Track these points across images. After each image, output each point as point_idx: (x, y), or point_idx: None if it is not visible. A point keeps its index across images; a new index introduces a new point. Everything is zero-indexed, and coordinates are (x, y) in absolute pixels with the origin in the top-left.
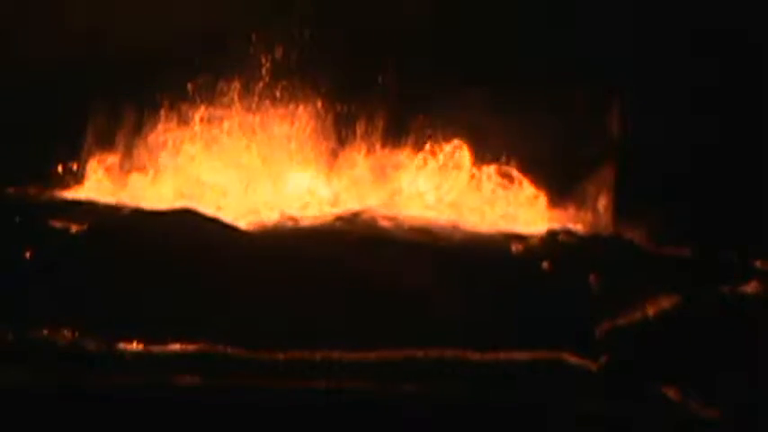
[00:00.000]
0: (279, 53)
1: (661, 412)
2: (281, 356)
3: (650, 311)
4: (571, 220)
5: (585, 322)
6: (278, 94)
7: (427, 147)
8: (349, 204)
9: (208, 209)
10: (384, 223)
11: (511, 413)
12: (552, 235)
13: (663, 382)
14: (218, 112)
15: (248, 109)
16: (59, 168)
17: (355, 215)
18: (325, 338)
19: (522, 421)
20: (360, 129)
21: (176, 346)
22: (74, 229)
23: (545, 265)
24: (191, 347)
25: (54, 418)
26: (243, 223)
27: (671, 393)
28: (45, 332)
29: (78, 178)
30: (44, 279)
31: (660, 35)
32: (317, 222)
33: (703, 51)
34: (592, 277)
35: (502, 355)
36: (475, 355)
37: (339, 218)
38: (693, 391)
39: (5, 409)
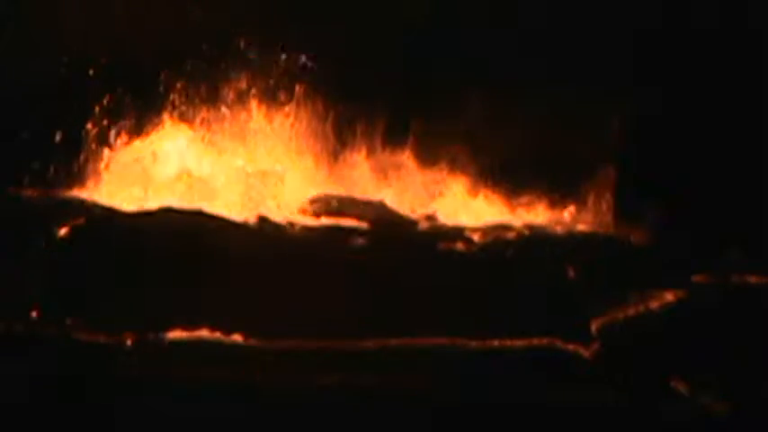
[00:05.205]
0: (279, 54)
1: (663, 405)
2: (284, 346)
3: (652, 305)
4: (571, 220)
5: (584, 318)
6: (279, 95)
7: (427, 147)
8: (349, 204)
9: (207, 208)
10: (384, 220)
11: (509, 402)
12: (551, 234)
13: (665, 376)
14: (219, 113)
15: (249, 110)
16: (59, 168)
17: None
18: (323, 329)
19: (519, 411)
20: (360, 129)
21: (177, 335)
22: (73, 227)
23: (545, 263)
24: (192, 336)
25: (54, 413)
26: (244, 220)
27: (677, 386)
28: (44, 328)
29: (78, 178)
30: (44, 277)
31: (660, 35)
32: (317, 219)
33: (703, 51)
34: (592, 276)
35: (498, 343)
36: (473, 343)
37: (339, 215)
38: (699, 385)
39: (6, 405)
